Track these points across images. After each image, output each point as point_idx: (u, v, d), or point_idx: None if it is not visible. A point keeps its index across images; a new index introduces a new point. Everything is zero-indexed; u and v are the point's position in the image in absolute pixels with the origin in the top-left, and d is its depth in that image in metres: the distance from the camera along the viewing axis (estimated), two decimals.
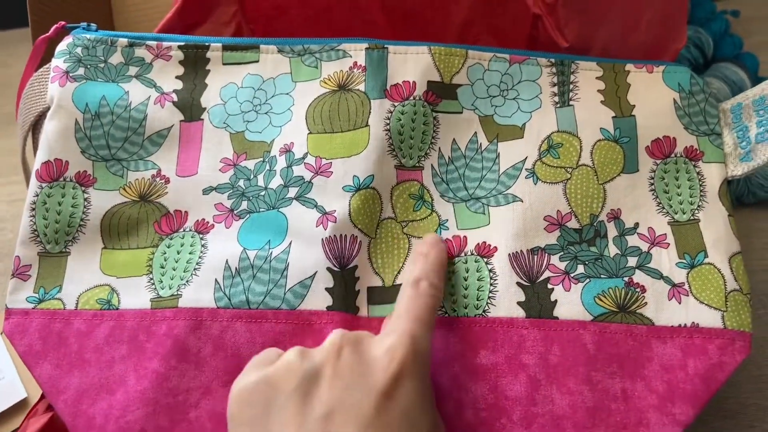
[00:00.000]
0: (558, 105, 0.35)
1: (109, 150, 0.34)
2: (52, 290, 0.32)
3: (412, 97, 0.34)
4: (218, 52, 0.36)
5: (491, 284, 0.32)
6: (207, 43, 0.35)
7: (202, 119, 0.35)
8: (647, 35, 0.37)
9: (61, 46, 0.35)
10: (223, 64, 0.35)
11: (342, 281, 0.31)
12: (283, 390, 0.25)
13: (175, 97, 0.35)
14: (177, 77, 0.35)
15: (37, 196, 0.33)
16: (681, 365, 0.30)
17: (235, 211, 0.33)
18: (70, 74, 0.34)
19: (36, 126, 0.35)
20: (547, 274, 0.32)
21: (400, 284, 0.32)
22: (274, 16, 0.38)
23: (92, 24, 0.36)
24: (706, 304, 0.31)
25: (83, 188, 0.33)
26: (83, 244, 0.33)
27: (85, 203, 0.33)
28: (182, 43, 0.35)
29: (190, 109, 0.35)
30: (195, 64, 0.35)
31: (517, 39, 0.38)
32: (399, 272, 0.32)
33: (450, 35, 0.38)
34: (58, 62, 0.34)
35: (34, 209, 0.33)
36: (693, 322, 0.31)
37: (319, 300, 0.31)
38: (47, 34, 0.35)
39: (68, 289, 0.32)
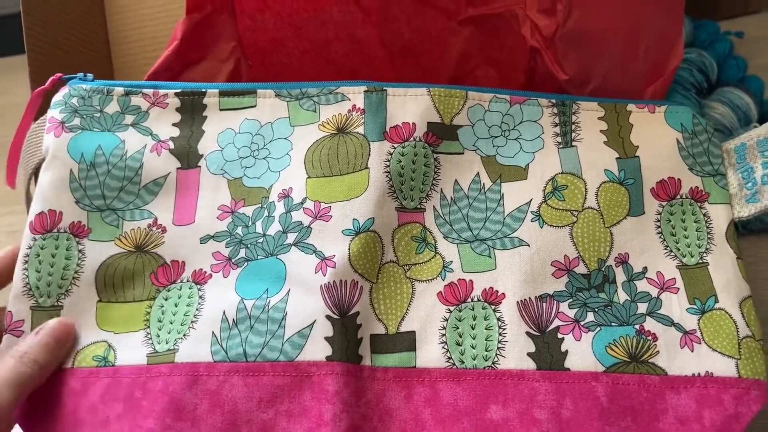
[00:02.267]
0: (561, 146, 0.34)
1: (104, 200, 0.34)
2: None
3: (412, 138, 0.34)
4: (215, 98, 0.35)
5: (500, 334, 0.31)
6: (203, 89, 0.35)
7: (199, 166, 0.34)
8: (645, 61, 0.36)
9: (57, 97, 0.35)
10: (220, 109, 0.35)
11: (342, 329, 0.30)
12: None
13: (171, 145, 0.35)
14: (174, 124, 0.35)
15: (30, 248, 0.32)
16: (696, 417, 0.29)
17: (233, 260, 0.33)
18: (66, 125, 0.34)
19: (37, 175, 0.34)
20: (556, 322, 0.31)
21: (405, 332, 0.31)
22: (271, 50, 0.38)
23: (89, 74, 0.36)
24: (719, 352, 0.31)
25: (77, 239, 0.33)
26: (77, 297, 0.32)
27: (80, 255, 0.33)
28: (179, 90, 0.35)
29: (187, 156, 0.35)
30: (192, 111, 0.35)
31: (515, 71, 0.38)
32: (403, 318, 0.31)
33: (448, 68, 0.38)
34: (53, 113, 0.34)
35: (27, 262, 0.32)
36: (707, 371, 0.30)
37: (318, 350, 0.30)
38: (44, 87, 0.35)
39: None
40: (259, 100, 0.35)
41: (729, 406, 0.29)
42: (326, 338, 0.30)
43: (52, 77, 0.35)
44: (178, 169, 0.34)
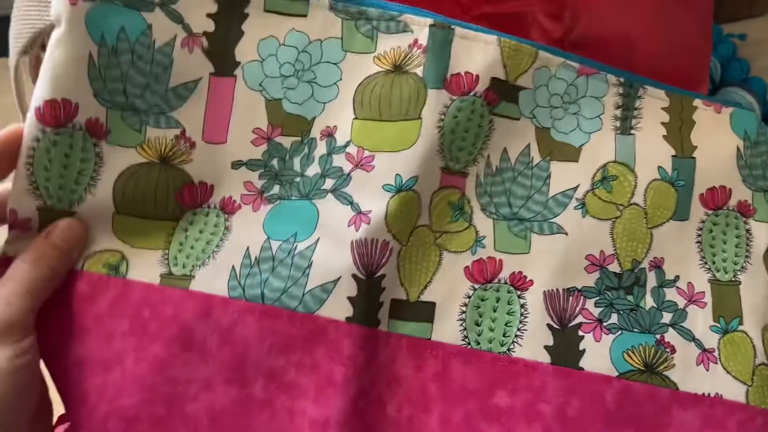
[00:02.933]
0: (618, 131, 0.33)
1: (126, 96, 0.29)
2: None
3: (472, 93, 0.31)
4: None
5: (521, 321, 0.30)
6: None
7: (235, 75, 0.31)
8: (667, 75, 0.36)
9: None
10: (265, 10, 0.31)
11: (367, 291, 0.29)
12: None
13: (205, 43, 0.30)
14: (209, 15, 0.30)
15: (38, 141, 0.28)
16: None
17: (266, 194, 0.31)
18: None
19: (30, 50, 0.29)
20: (579, 319, 0.31)
21: (425, 301, 0.30)
22: None
23: None
24: (732, 375, 0.31)
25: (95, 140, 0.29)
26: (91, 207, 0.29)
27: (97, 159, 0.29)
28: None
29: (223, 60, 0.30)
30: (232, 3, 0.30)
31: None
32: (426, 287, 0.30)
33: None
34: None
35: (32, 156, 0.28)
36: (717, 393, 0.30)
37: (339, 308, 0.28)
38: None
39: None
40: (311, 9, 0.31)
41: (731, 430, 0.30)
42: (349, 298, 0.29)
43: None
44: (211, 74, 0.30)
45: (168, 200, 0.30)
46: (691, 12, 0.36)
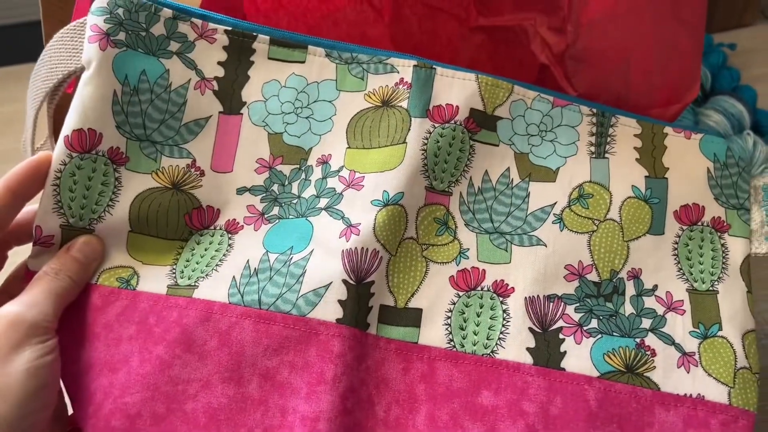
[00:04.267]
0: (594, 155, 0.35)
1: (144, 130, 0.33)
2: None
3: (453, 121, 0.34)
4: (265, 45, 0.34)
5: (503, 325, 0.32)
6: (255, 33, 0.34)
7: (242, 114, 0.34)
8: (659, 82, 0.37)
9: (101, 2, 0.32)
10: (269, 58, 0.34)
11: (356, 295, 0.31)
12: None
13: (215, 86, 0.34)
14: (219, 63, 0.34)
15: (65, 165, 0.31)
16: None
17: (266, 215, 0.33)
18: (111, 38, 0.32)
19: (56, 90, 0.33)
20: (560, 323, 0.32)
21: (413, 308, 0.32)
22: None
23: None
24: (714, 378, 0.31)
25: (115, 166, 0.32)
26: (109, 224, 0.32)
27: (116, 183, 0.32)
28: (229, 28, 0.34)
29: (230, 100, 0.34)
30: (239, 53, 0.34)
31: (525, 80, 0.39)
32: (413, 295, 0.32)
33: None
34: (97, 20, 0.32)
35: (59, 178, 0.31)
36: (699, 394, 0.31)
37: (329, 311, 0.30)
38: None
39: None
40: (308, 56, 0.35)
41: (715, 430, 0.30)
42: (339, 301, 0.31)
43: None
44: (220, 113, 0.34)
45: (178, 222, 0.33)
46: (684, 23, 0.37)
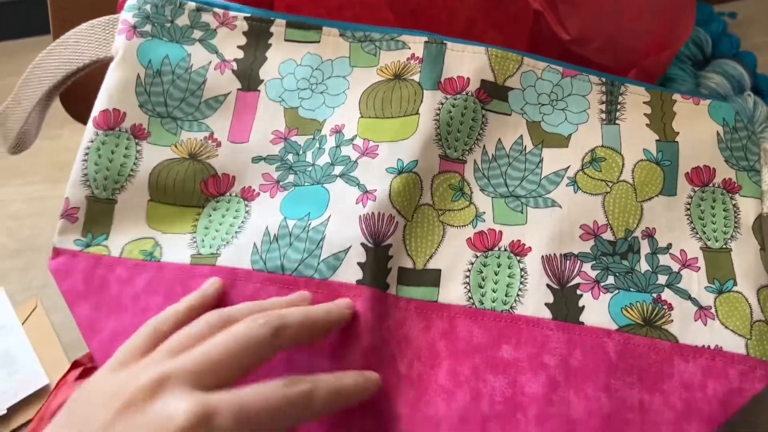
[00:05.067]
0: (604, 122, 0.36)
1: (165, 107, 0.35)
2: (99, 237, 0.33)
3: (464, 92, 0.35)
4: (281, 28, 0.37)
5: (521, 282, 0.32)
6: (272, 18, 0.37)
7: (259, 90, 0.36)
8: (651, 26, 0.38)
9: (131, 1, 0.36)
10: (285, 40, 0.37)
11: (375, 257, 0.32)
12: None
13: (235, 66, 0.36)
14: (239, 47, 0.36)
15: (92, 142, 0.34)
16: (701, 386, 0.30)
17: (281, 183, 0.34)
18: (138, 29, 0.35)
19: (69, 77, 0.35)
20: (577, 280, 0.33)
21: (431, 269, 0.32)
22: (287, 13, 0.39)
23: None
24: (731, 330, 0.32)
25: (137, 140, 0.34)
26: (130, 193, 0.34)
27: (137, 155, 0.34)
28: (248, 15, 0.37)
29: (248, 79, 0.36)
30: (257, 37, 0.37)
31: (520, 34, 0.39)
32: (431, 257, 0.33)
33: (456, 33, 0.39)
34: (127, 15, 0.36)
35: (87, 154, 0.33)
36: (717, 345, 0.31)
37: (350, 273, 0.31)
38: None
39: (114, 238, 0.33)
40: (323, 36, 0.37)
41: (733, 380, 0.30)
42: (359, 263, 0.31)
43: None
44: (238, 90, 0.36)
45: (194, 189, 0.34)
46: None
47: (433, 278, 0.33)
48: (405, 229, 0.33)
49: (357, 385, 0.28)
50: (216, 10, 0.36)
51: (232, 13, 0.37)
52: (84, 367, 0.34)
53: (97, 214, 0.33)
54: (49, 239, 0.43)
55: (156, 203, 0.34)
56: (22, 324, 0.42)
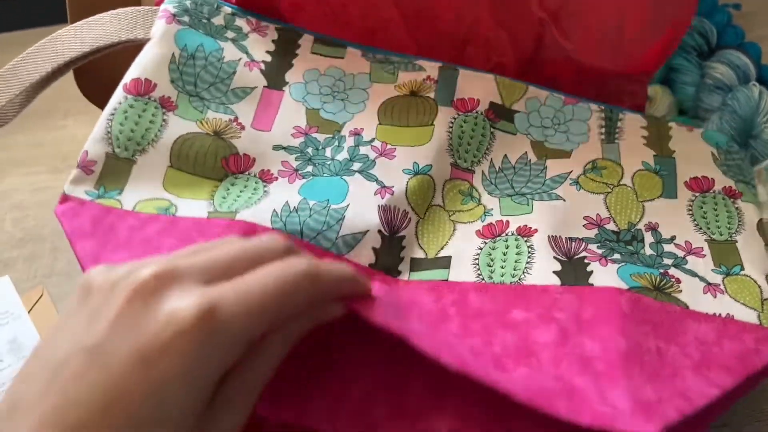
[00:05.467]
0: (604, 141, 0.38)
1: (195, 87, 0.36)
2: (112, 191, 0.32)
3: (475, 111, 0.38)
4: (309, 42, 0.40)
5: (529, 257, 0.33)
6: (301, 32, 0.40)
7: (284, 90, 0.38)
8: (653, 36, 0.39)
9: None
10: (311, 53, 0.39)
11: (389, 245, 0.33)
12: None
13: (263, 66, 0.38)
14: (267, 52, 0.39)
15: (120, 104, 0.34)
16: (716, 342, 0.29)
17: (300, 172, 0.35)
18: (177, 17, 0.37)
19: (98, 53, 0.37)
20: (584, 254, 0.33)
21: (442, 256, 0.33)
22: (290, 12, 0.40)
23: None
24: (741, 303, 0.31)
25: (164, 110, 0.35)
26: (151, 156, 0.33)
27: (163, 123, 0.34)
28: (279, 26, 0.39)
29: (275, 78, 0.38)
30: (286, 46, 0.39)
31: (525, 36, 0.40)
32: (443, 248, 0.34)
33: (461, 30, 0.40)
34: (167, 6, 0.38)
35: (113, 114, 0.34)
36: (728, 314, 0.31)
37: (364, 255, 0.32)
38: None
39: (128, 195, 0.32)
40: (347, 54, 0.40)
41: (749, 343, 0.29)
42: (374, 248, 0.33)
43: None
44: (264, 87, 0.38)
45: (215, 163, 0.34)
46: None
47: (443, 263, 0.33)
48: (417, 225, 0.34)
49: (351, 270, 0.26)
50: (249, 18, 0.39)
51: (264, 23, 0.39)
52: None
53: (114, 170, 0.32)
54: (54, 229, 0.43)
55: (175, 170, 0.34)
56: (29, 312, 0.43)
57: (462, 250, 0.34)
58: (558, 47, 0.39)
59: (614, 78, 0.40)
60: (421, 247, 0.34)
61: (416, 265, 0.33)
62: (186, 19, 0.37)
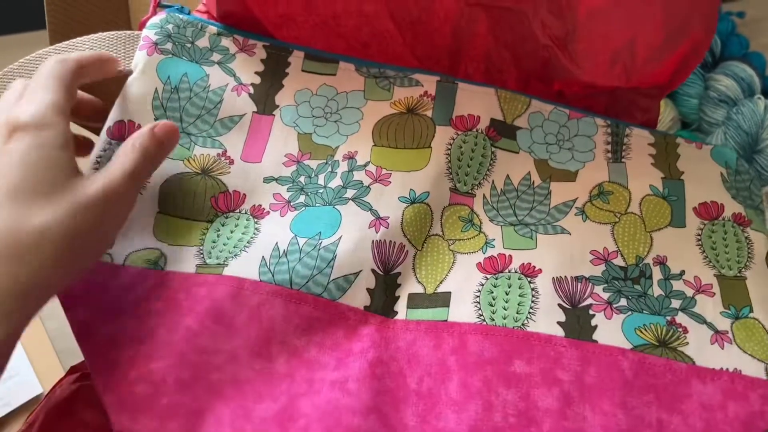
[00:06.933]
0: (611, 160, 0.36)
1: (181, 123, 0.34)
2: None
3: (474, 129, 0.36)
4: (299, 59, 0.37)
5: (533, 301, 0.32)
6: (291, 49, 0.37)
7: (274, 115, 0.36)
8: (670, 55, 0.37)
9: (154, 20, 0.36)
10: (302, 70, 0.37)
11: (384, 285, 0.32)
12: None
13: (251, 90, 0.36)
14: (256, 72, 0.36)
15: (105, 151, 0.32)
16: (721, 406, 0.29)
17: (292, 203, 0.34)
18: (159, 46, 0.35)
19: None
20: (589, 301, 0.32)
21: (442, 292, 0.32)
22: (281, 24, 0.38)
23: (185, 7, 0.37)
24: (749, 354, 0.31)
25: None
26: (139, 204, 0.32)
27: None
28: (267, 44, 0.37)
29: (264, 103, 0.36)
30: (276, 65, 0.37)
31: (530, 59, 0.38)
32: (441, 282, 0.33)
33: (459, 45, 0.38)
34: (149, 33, 0.35)
35: (99, 162, 0.32)
36: (735, 368, 0.30)
37: (358, 298, 0.31)
38: (149, 15, 0.36)
39: (119, 246, 0.32)
40: (340, 71, 0.37)
41: (755, 403, 0.29)
42: (368, 289, 0.31)
43: (153, 3, 0.37)
44: (254, 112, 0.36)
45: (205, 203, 0.33)
46: (698, 13, 0.37)
47: (443, 300, 0.32)
48: (415, 258, 0.33)
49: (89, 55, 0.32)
50: (236, 36, 0.37)
51: (251, 41, 0.37)
52: (80, 373, 0.33)
53: None
54: None
55: (164, 215, 0.33)
56: None
57: (462, 285, 0.32)
58: (565, 69, 0.38)
59: (626, 92, 0.39)
60: (420, 282, 0.33)
61: (414, 301, 0.32)
62: (168, 46, 0.35)
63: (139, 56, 0.35)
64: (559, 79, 0.38)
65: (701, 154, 0.37)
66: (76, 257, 0.26)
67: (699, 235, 0.34)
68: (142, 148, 0.30)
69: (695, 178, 0.36)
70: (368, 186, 0.34)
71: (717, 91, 0.43)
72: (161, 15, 0.36)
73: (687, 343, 0.31)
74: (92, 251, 0.28)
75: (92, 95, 0.35)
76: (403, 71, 0.37)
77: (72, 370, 0.34)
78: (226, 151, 0.34)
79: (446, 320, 0.31)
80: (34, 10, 0.42)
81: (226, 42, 0.36)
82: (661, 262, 0.33)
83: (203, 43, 0.36)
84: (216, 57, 0.36)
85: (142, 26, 0.36)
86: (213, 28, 0.36)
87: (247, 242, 0.32)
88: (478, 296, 0.32)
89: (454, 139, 0.35)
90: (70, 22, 0.42)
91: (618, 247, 0.34)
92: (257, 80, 0.36)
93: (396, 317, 0.31)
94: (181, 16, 0.36)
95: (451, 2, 0.37)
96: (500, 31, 0.38)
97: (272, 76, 0.36)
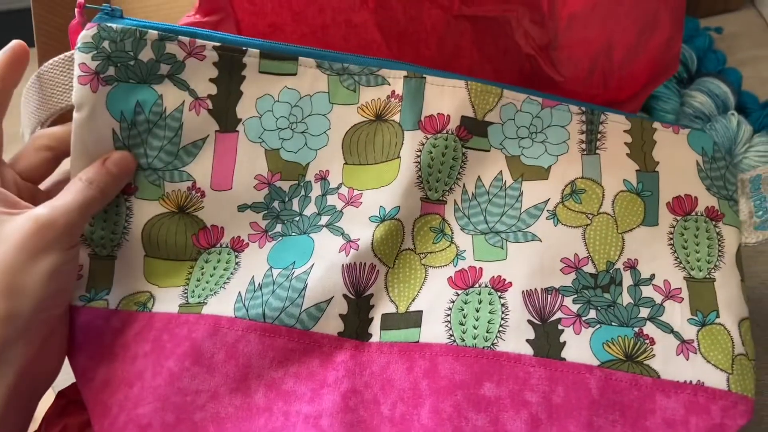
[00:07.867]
0: (585, 152, 0.35)
1: (146, 158, 0.33)
2: (101, 292, 0.33)
3: (444, 131, 0.34)
4: (255, 58, 0.34)
5: (503, 318, 0.32)
6: (244, 48, 0.34)
7: (237, 131, 0.34)
8: (643, 55, 0.38)
9: (86, 38, 0.32)
10: (260, 72, 0.34)
11: (356, 309, 0.32)
12: None
13: (210, 104, 0.34)
14: (211, 80, 0.34)
15: None
16: (683, 422, 0.30)
17: (270, 233, 0.34)
18: (101, 75, 0.32)
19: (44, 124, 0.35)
20: (558, 315, 0.32)
21: (414, 311, 0.33)
22: (269, 34, 0.39)
23: (117, 7, 0.33)
24: (712, 364, 0.32)
25: (125, 196, 0.34)
26: (126, 249, 0.34)
27: (128, 211, 0.34)
28: (218, 44, 0.34)
29: (225, 118, 0.34)
30: (230, 68, 0.34)
31: (510, 69, 0.39)
32: (414, 299, 0.33)
33: (444, 57, 0.39)
34: (84, 58, 0.32)
35: None
36: (699, 380, 0.31)
37: (331, 325, 0.32)
38: (75, 21, 0.33)
39: (115, 292, 0.33)
40: (300, 68, 0.35)
41: (716, 416, 0.30)
42: (340, 315, 0.32)
43: (77, 7, 0.33)
44: (216, 131, 0.34)
45: (186, 242, 0.34)
46: (664, 6, 0.38)
47: (414, 320, 0.33)
48: (387, 276, 0.33)
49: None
50: (181, 38, 0.33)
51: (199, 42, 0.33)
52: (68, 401, 0.34)
53: (99, 270, 0.33)
54: None
55: (151, 258, 0.34)
56: None
57: (433, 303, 0.33)
58: (547, 79, 0.39)
59: (605, 103, 0.40)
60: (392, 301, 0.33)
61: (387, 322, 0.33)
62: (112, 72, 0.32)
63: (82, 93, 0.32)
64: (539, 84, 0.39)
65: (678, 140, 0.36)
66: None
67: (671, 233, 0.34)
68: (97, 188, 0.31)
69: (670, 168, 0.35)
70: (341, 210, 0.34)
71: (692, 107, 0.44)
72: (92, 30, 0.32)
73: (654, 356, 0.32)
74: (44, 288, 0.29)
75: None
76: (367, 65, 0.35)
77: (60, 395, 0.35)
78: (195, 183, 0.34)
79: (418, 341, 0.32)
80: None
81: (171, 48, 0.33)
82: (632, 266, 0.34)
83: (147, 54, 0.33)
84: (164, 69, 0.33)
85: (73, 35, 0.33)
86: (153, 33, 0.33)
87: (227, 279, 0.33)
88: (449, 314, 0.32)
89: (423, 144, 0.34)
90: (57, 31, 0.42)
91: (589, 252, 0.34)
92: (213, 90, 0.34)
93: (371, 340, 0.32)
94: (113, 25, 0.32)
95: (439, 13, 0.38)
96: (484, 43, 0.39)
97: (228, 82, 0.34)
